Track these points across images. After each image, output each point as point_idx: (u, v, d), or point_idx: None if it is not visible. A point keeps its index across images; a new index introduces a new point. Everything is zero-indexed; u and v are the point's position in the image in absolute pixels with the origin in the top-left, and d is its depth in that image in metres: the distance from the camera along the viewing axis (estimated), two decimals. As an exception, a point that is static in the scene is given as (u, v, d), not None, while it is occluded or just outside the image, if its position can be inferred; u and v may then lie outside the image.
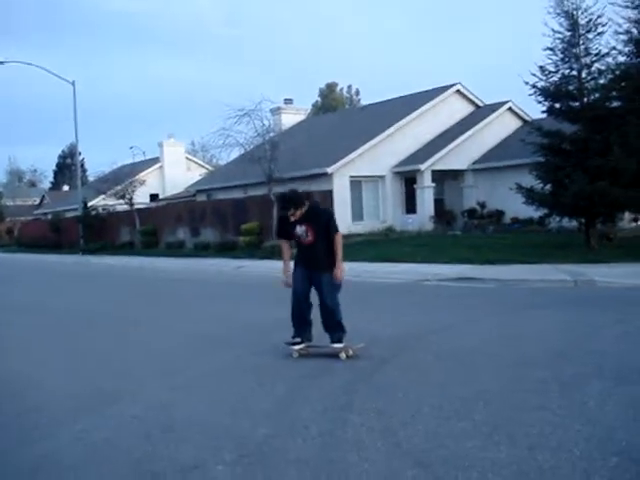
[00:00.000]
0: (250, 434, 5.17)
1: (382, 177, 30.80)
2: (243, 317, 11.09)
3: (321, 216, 7.95)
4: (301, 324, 7.94)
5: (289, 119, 40.94)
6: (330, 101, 77.28)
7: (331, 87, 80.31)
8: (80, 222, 41.40)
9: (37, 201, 76.87)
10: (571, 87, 19.64)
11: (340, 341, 7.78)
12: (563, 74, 19.65)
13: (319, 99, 79.52)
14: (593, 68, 19.46)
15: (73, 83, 40.60)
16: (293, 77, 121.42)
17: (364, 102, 65.70)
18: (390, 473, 4.28)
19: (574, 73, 19.58)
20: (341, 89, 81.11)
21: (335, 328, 7.85)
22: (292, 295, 7.95)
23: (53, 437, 5.44)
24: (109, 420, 5.80)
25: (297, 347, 7.86)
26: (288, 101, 42.28)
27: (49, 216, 53.08)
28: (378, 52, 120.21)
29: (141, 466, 4.65)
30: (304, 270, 7.88)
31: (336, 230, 7.88)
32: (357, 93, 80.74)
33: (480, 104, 34.44)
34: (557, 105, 20.04)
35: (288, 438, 5.05)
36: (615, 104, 19.70)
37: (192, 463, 4.65)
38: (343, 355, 7.61)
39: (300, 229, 7.78)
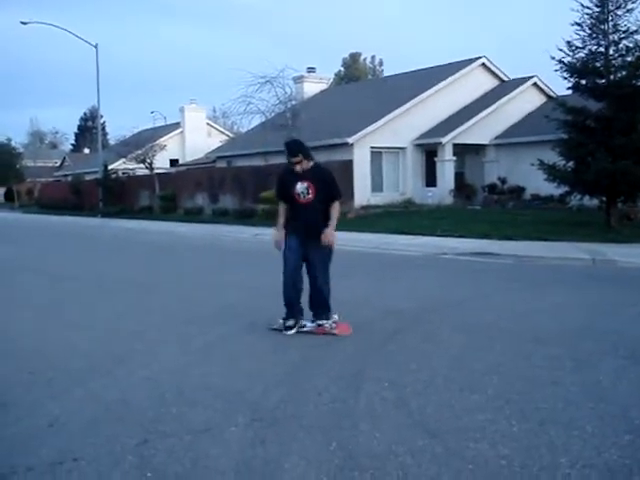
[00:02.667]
0: (263, 399, 5.20)
1: (403, 149, 30.64)
2: (260, 284, 11.09)
3: (325, 176, 7.47)
4: (294, 304, 7.51)
5: (311, 88, 40.73)
6: (353, 71, 76.90)
7: (355, 57, 79.86)
8: (100, 185, 41.55)
9: (58, 163, 77.13)
10: (598, 64, 19.35)
11: (327, 318, 7.46)
12: (590, 50, 19.36)
13: (342, 69, 79.09)
14: (621, 45, 19.16)
15: (96, 46, 40.58)
16: (317, 46, 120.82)
17: (387, 73, 65.22)
18: (401, 442, 4.29)
19: (601, 50, 19.28)
20: (364, 59, 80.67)
21: (322, 307, 7.49)
22: (284, 271, 7.46)
23: (67, 395, 5.48)
24: (122, 381, 5.85)
25: (290, 332, 7.42)
26: (311, 70, 42.00)
27: (69, 178, 53.32)
28: (403, 23, 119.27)
29: (154, 426, 4.69)
30: (298, 241, 7.38)
31: (339, 195, 7.48)
32: (381, 64, 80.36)
33: (505, 78, 34.08)
34: (583, 82, 19.75)
35: (301, 404, 5.07)
36: (641, 82, 19.41)
37: (204, 425, 4.68)
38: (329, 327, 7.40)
39: (301, 185, 7.29)
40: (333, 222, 7.36)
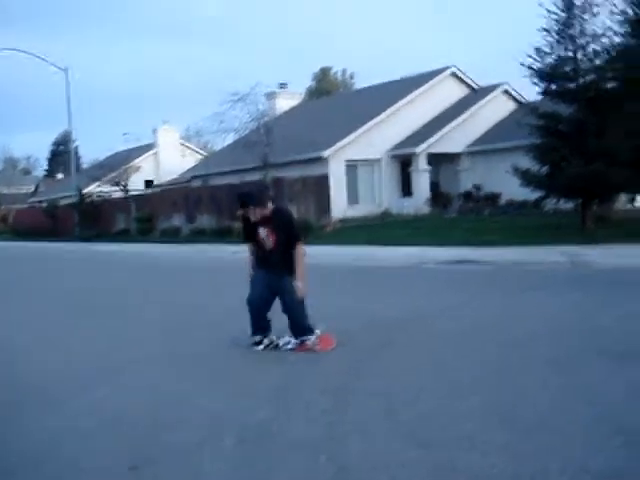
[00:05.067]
0: (250, 417, 5.11)
1: (378, 160, 30.77)
2: (241, 301, 11.02)
3: (285, 220, 7.35)
4: (260, 325, 7.43)
5: (284, 104, 40.84)
6: (324, 85, 77.13)
7: (325, 71, 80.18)
8: (75, 209, 41.27)
9: (32, 189, 76.65)
10: (567, 68, 19.61)
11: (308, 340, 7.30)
12: (559, 55, 19.62)
13: (313, 83, 79.31)
14: (589, 49, 19.45)
15: (65, 70, 40.43)
16: (287, 61, 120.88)
17: (359, 86, 65.45)
18: (392, 454, 4.25)
19: (570, 54, 19.54)
20: (335, 73, 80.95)
21: (303, 333, 7.31)
22: (248, 299, 7.44)
23: (66, 409, 5.52)
24: (104, 400, 5.74)
25: (261, 347, 7.33)
26: (283, 85, 42.16)
27: (44, 204, 52.90)
28: (373, 35, 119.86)
29: (139, 449, 4.61)
30: (264, 274, 7.31)
31: (297, 239, 7.30)
32: (352, 77, 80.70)
33: (475, 87, 34.36)
34: (553, 86, 20.01)
35: (289, 419, 5.01)
36: (611, 85, 19.64)
37: (191, 446, 4.60)
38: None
39: (263, 231, 7.20)
40: (300, 272, 7.21)
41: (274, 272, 7.26)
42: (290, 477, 4.03)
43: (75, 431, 5.12)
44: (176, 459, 4.43)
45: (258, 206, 7.12)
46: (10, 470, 4.47)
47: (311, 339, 7.31)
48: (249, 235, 7.44)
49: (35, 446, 4.84)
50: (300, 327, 7.34)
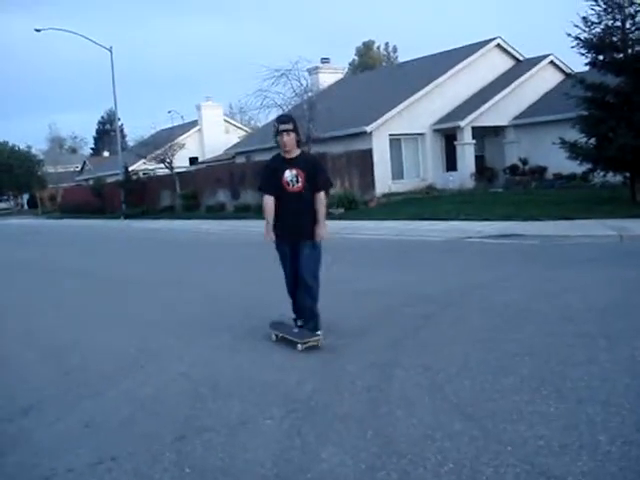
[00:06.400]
0: (296, 390, 5.20)
1: (422, 135, 30.51)
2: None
3: (315, 163, 6.99)
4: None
5: (326, 78, 40.54)
6: (367, 59, 76.56)
7: (368, 45, 79.55)
8: (122, 187, 41.73)
9: (78, 167, 77.56)
10: (615, 38, 19.11)
11: (317, 329, 6.71)
12: (606, 25, 19.11)
13: (356, 58, 78.83)
14: (637, 18, 18.91)
15: (110, 49, 40.73)
16: (329, 36, 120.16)
17: (402, 59, 64.77)
18: (438, 427, 4.27)
19: (618, 24, 19.04)
20: (378, 47, 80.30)
21: (311, 313, 6.80)
22: (286, 279, 7.04)
23: (101, 394, 5.53)
24: (155, 377, 5.87)
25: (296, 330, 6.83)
26: (325, 60, 41.85)
27: (91, 182, 53.55)
28: (416, 8, 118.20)
29: (190, 422, 4.70)
30: (288, 244, 6.84)
31: (330, 184, 7.11)
32: (394, 50, 79.94)
33: (521, 58, 33.77)
34: (600, 57, 19.53)
35: (335, 393, 5.07)
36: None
37: (240, 419, 4.69)
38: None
39: (290, 173, 6.68)
40: (322, 217, 6.79)
41: (297, 232, 6.78)
42: (338, 450, 4.08)
43: (130, 398, 5.26)
44: (225, 430, 4.51)
45: (296, 130, 6.81)
46: (53, 450, 4.59)
47: (315, 338, 6.66)
48: (270, 183, 6.85)
49: (73, 430, 4.96)
50: (309, 300, 6.83)
